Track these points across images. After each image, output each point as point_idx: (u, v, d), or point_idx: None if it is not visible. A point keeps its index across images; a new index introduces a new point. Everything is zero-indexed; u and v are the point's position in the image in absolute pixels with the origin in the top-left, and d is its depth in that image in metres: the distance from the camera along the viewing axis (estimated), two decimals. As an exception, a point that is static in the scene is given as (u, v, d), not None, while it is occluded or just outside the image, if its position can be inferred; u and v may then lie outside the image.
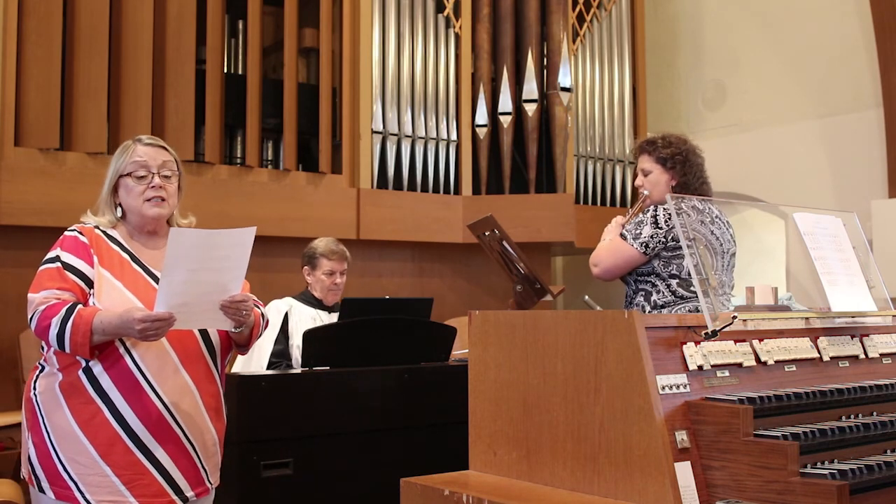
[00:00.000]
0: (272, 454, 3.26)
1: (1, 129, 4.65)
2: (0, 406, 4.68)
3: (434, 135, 6.16)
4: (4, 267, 4.81)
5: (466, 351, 2.43)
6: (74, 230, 2.52)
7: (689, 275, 3.20)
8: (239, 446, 3.18)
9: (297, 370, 3.81)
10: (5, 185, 4.61)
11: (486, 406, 2.31)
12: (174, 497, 2.44)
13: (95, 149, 4.91)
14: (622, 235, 3.33)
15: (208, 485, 2.56)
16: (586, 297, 3.76)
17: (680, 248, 3.21)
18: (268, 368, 4.00)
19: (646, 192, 3.41)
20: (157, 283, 2.41)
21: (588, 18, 6.86)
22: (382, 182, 5.99)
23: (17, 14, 4.72)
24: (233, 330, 2.51)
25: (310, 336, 3.58)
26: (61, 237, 2.52)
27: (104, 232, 2.54)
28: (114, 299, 2.41)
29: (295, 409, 3.34)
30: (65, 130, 4.91)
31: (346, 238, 5.61)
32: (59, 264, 2.44)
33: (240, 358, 4.01)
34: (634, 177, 3.85)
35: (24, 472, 2.49)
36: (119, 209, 2.57)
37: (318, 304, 4.24)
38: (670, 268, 3.28)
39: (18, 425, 4.32)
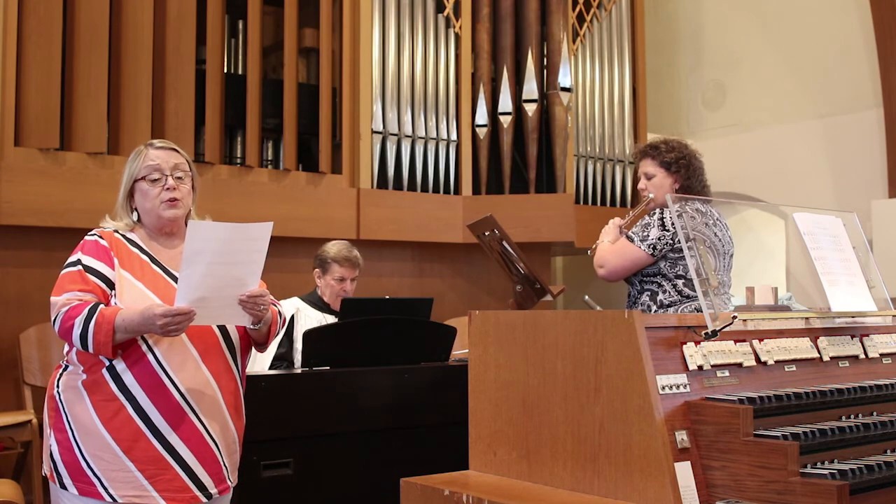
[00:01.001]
0: (272, 454, 3.26)
1: (1, 129, 4.64)
2: (0, 406, 4.68)
3: (434, 135, 6.16)
4: (4, 267, 4.81)
5: (466, 351, 2.44)
6: (94, 234, 2.58)
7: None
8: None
9: (297, 370, 3.81)
10: (5, 185, 4.61)
11: (486, 406, 2.31)
12: (198, 493, 2.47)
13: (95, 149, 4.91)
14: (629, 237, 3.35)
15: (229, 483, 2.60)
16: (586, 297, 3.76)
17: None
18: (269, 370, 4.00)
19: (650, 196, 3.43)
20: (176, 283, 2.45)
21: (588, 18, 6.86)
22: (382, 182, 5.99)
23: (17, 14, 4.71)
24: (251, 326, 2.56)
25: (310, 336, 3.58)
26: (81, 242, 2.58)
27: (123, 235, 2.59)
28: (135, 299, 2.46)
29: (295, 409, 3.34)
30: (65, 130, 4.91)
31: (346, 238, 5.61)
32: (80, 267, 2.49)
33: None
34: (636, 180, 3.86)
35: (46, 468, 2.52)
36: (135, 213, 2.63)
37: (325, 307, 4.22)
38: (676, 268, 3.31)
39: (18, 425, 4.35)
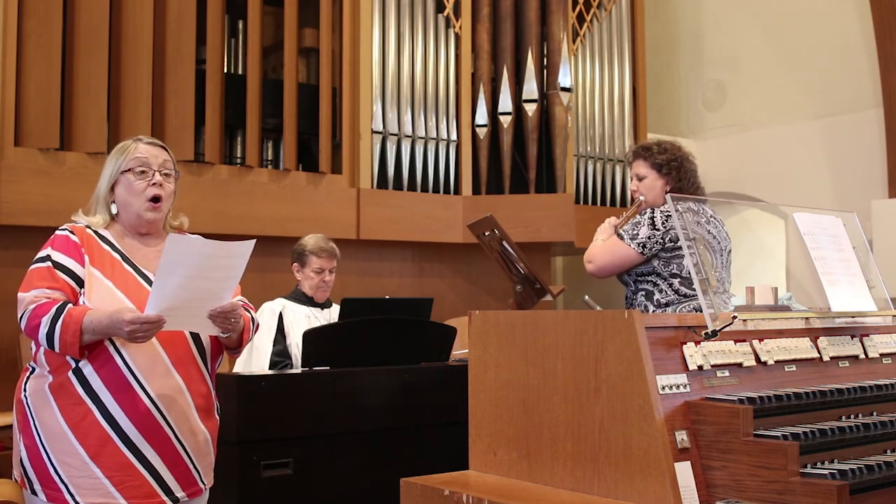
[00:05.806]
0: (272, 454, 3.26)
1: (1, 129, 4.64)
2: (0, 406, 4.68)
3: (434, 135, 6.16)
4: (5, 267, 4.80)
5: (466, 351, 2.43)
6: (66, 229, 2.52)
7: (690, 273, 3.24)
8: (239, 446, 3.18)
9: (297, 370, 3.81)
10: (5, 185, 4.61)
11: (486, 406, 2.31)
12: (164, 498, 2.43)
13: (95, 149, 4.91)
14: (619, 235, 3.37)
15: (201, 485, 2.55)
16: (586, 297, 3.77)
17: (677, 248, 3.29)
18: (271, 368, 4.00)
19: (641, 198, 3.47)
20: (148, 284, 2.41)
21: (588, 18, 6.86)
22: (382, 182, 5.99)
23: (17, 14, 4.71)
24: (221, 335, 2.51)
25: (310, 336, 3.58)
26: (52, 237, 2.52)
27: (95, 232, 2.54)
28: (104, 299, 2.40)
29: (295, 409, 3.34)
30: (65, 130, 4.90)
31: (346, 238, 5.62)
32: (49, 263, 2.43)
33: (240, 359, 4.01)
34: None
35: (16, 474, 2.48)
36: (113, 206, 2.58)
37: (309, 301, 4.24)
38: (670, 267, 3.33)
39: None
